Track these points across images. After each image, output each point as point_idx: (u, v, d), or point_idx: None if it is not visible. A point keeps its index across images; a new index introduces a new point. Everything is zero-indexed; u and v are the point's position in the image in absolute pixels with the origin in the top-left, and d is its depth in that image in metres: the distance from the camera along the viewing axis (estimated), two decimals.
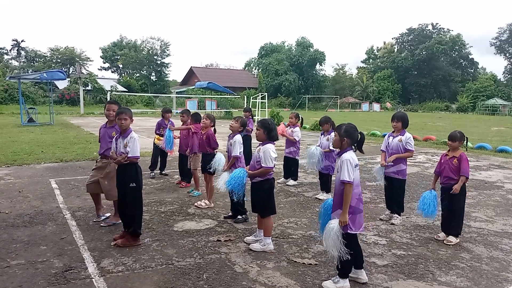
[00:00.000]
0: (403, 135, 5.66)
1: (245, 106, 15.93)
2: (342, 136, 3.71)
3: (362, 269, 3.87)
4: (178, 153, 7.87)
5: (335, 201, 3.76)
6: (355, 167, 3.62)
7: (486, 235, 5.32)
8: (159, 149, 8.45)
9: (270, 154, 4.50)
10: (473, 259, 4.52)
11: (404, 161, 5.70)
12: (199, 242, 4.84)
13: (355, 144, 3.76)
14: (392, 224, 5.70)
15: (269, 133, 4.59)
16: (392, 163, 5.64)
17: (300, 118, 8.25)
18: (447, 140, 5.22)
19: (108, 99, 24.54)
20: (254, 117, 12.11)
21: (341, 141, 3.73)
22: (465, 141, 5.14)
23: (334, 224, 3.61)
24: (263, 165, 4.50)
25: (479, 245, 4.95)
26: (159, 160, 8.63)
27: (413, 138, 5.70)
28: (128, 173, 4.60)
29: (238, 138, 5.53)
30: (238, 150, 5.45)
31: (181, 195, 7.03)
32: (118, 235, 4.79)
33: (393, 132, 5.81)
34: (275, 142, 4.68)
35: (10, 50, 63.45)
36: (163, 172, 8.71)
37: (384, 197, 6.22)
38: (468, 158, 5.10)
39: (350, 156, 3.65)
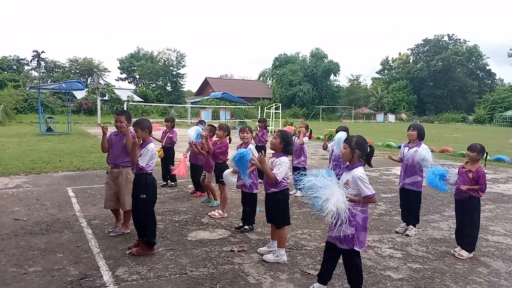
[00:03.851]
0: (419, 147, 5.59)
1: (259, 117, 16.00)
2: (353, 148, 3.61)
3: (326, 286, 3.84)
4: (189, 163, 7.87)
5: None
6: None
7: (504, 250, 5.21)
8: (164, 160, 8.45)
9: (286, 166, 4.42)
10: (491, 274, 4.42)
11: (419, 172, 5.64)
12: (212, 252, 4.85)
13: (364, 158, 3.67)
14: (407, 235, 5.63)
15: (286, 146, 4.50)
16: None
17: (309, 129, 8.20)
18: (466, 151, 5.12)
19: (125, 109, 24.82)
20: (268, 127, 12.11)
21: (352, 154, 3.62)
22: (484, 155, 5.03)
23: (338, 193, 3.41)
24: (276, 172, 4.39)
25: (497, 260, 4.85)
26: (167, 170, 8.62)
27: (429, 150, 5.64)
28: (138, 184, 4.66)
29: (252, 147, 5.55)
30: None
31: (195, 205, 7.07)
32: (133, 244, 4.84)
33: (409, 142, 5.75)
34: (288, 155, 4.63)
35: (31, 61, 64.97)
36: (173, 182, 8.67)
37: (399, 209, 6.16)
38: (486, 171, 5.01)
39: (362, 172, 3.56)
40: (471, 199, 4.89)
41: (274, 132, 4.93)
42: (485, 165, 5.02)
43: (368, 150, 3.68)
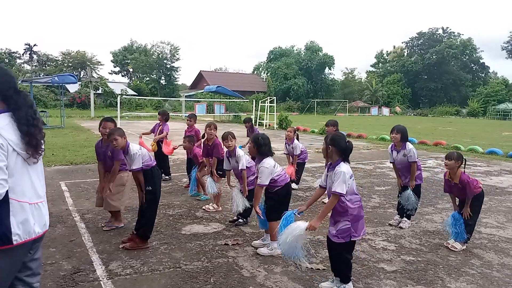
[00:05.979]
0: (405, 149, 5.56)
1: (253, 110, 15.93)
2: (327, 144, 3.65)
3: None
4: (186, 156, 7.86)
5: (332, 213, 3.67)
6: (349, 178, 3.54)
7: (497, 242, 5.25)
8: (157, 153, 8.40)
9: (265, 171, 4.41)
10: (483, 266, 4.46)
11: (418, 166, 5.69)
12: (206, 245, 4.84)
13: (345, 155, 3.64)
14: (401, 228, 5.66)
15: (259, 148, 4.53)
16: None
17: (297, 134, 8.04)
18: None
19: (118, 103, 24.55)
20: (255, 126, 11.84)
21: (327, 150, 3.66)
22: (462, 163, 4.90)
23: (301, 225, 3.55)
24: (258, 181, 4.46)
25: (489, 252, 4.88)
26: (160, 164, 8.56)
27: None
28: (144, 177, 4.66)
29: (241, 152, 5.49)
30: (245, 163, 5.38)
31: (189, 199, 7.05)
32: (126, 238, 4.82)
33: (395, 145, 5.72)
34: (271, 156, 4.60)
35: (23, 54, 64.35)
36: (167, 176, 8.62)
37: (392, 202, 6.17)
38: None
39: (345, 169, 3.54)
40: (475, 197, 4.93)
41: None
42: (464, 171, 4.96)
43: (346, 146, 3.62)
